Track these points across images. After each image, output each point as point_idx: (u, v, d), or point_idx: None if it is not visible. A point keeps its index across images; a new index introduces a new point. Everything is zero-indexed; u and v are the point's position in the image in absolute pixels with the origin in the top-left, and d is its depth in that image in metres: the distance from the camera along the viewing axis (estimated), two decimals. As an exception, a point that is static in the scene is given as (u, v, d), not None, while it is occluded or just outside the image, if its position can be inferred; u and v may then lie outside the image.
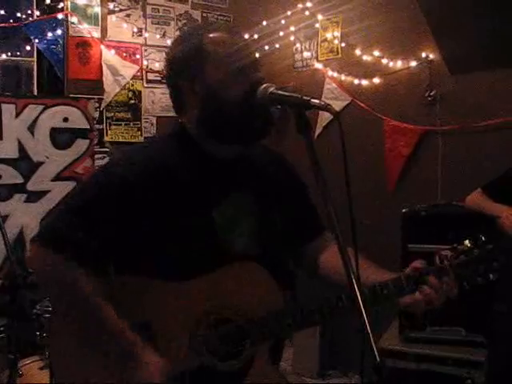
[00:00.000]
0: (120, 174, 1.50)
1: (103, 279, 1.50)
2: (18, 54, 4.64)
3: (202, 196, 1.53)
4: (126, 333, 1.46)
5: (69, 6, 4.47)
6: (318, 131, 4.42)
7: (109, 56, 4.65)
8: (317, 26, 4.61)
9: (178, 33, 4.97)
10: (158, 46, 4.89)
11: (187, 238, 1.49)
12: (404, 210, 3.50)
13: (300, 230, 1.73)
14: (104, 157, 4.62)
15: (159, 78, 4.88)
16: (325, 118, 4.38)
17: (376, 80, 4.22)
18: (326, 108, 1.25)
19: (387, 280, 1.50)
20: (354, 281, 1.15)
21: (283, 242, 1.65)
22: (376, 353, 1.08)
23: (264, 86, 1.44)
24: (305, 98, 1.27)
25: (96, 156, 4.59)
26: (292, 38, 4.79)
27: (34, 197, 4.33)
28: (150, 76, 4.88)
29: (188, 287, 1.50)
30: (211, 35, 1.53)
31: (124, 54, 4.73)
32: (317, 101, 1.26)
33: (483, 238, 1.55)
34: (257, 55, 1.61)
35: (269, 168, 1.68)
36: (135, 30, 4.80)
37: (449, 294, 1.50)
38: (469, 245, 1.54)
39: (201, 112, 1.54)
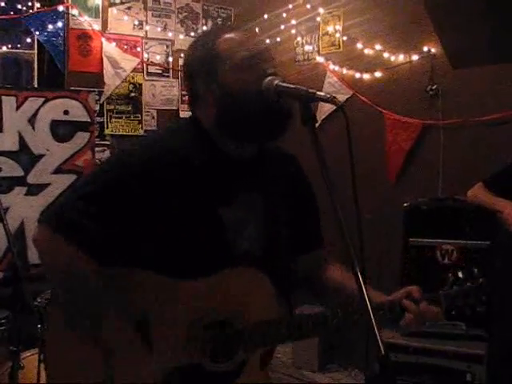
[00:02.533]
0: (133, 164, 1.49)
1: (104, 269, 1.48)
2: (19, 46, 4.62)
3: (211, 193, 1.52)
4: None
5: (69, -2, 4.47)
6: (316, 124, 4.41)
7: (109, 48, 4.64)
8: (318, 19, 4.61)
9: (178, 26, 4.97)
10: (158, 39, 4.89)
11: (192, 234, 1.49)
12: (405, 204, 3.51)
13: (300, 239, 1.70)
14: (104, 150, 4.62)
15: (160, 71, 4.88)
16: (324, 111, 4.36)
17: (377, 74, 4.21)
18: (332, 100, 1.26)
19: (383, 302, 1.53)
20: (360, 279, 1.14)
21: (287, 248, 1.63)
22: (381, 345, 1.08)
23: (269, 78, 1.43)
24: (310, 90, 1.28)
25: (96, 149, 4.58)
26: (293, 32, 4.78)
27: (35, 189, 4.32)
28: (151, 69, 4.87)
29: (189, 286, 1.49)
30: (225, 36, 1.51)
31: (125, 47, 4.73)
32: (322, 93, 1.27)
33: (476, 271, 1.59)
34: (269, 50, 1.56)
35: (280, 171, 1.65)
36: (136, 22, 4.79)
37: (433, 321, 1.54)
38: (462, 276, 1.58)
39: (218, 113, 1.51)
